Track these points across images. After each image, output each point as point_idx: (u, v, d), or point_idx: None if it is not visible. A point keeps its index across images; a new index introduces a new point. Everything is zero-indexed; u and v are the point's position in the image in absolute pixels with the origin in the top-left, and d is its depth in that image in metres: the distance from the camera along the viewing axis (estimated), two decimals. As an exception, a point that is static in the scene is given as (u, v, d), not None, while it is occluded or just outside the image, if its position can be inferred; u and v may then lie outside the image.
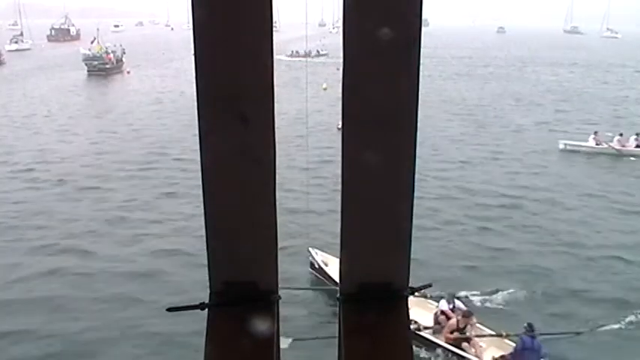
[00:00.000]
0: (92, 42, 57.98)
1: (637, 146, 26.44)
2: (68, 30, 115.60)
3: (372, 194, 1.17)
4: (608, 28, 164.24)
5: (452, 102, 39.92)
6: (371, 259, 1.23)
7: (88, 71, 54.07)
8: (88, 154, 25.55)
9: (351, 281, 1.25)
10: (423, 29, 1.07)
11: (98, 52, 55.29)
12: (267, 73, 1.09)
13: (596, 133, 27.45)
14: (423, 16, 1.07)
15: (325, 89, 38.83)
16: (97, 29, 57.87)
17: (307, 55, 67.50)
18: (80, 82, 51.52)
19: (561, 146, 27.07)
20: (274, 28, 1.13)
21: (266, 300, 1.25)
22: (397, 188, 1.17)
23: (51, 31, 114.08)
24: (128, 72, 56.60)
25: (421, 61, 1.08)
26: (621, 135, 27.01)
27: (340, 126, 1.16)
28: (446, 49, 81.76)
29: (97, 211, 18.06)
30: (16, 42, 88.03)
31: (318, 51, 69.21)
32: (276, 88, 1.10)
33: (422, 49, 1.07)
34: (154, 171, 22.74)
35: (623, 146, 26.37)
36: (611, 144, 26.57)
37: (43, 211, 18.04)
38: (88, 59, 54.73)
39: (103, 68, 54.07)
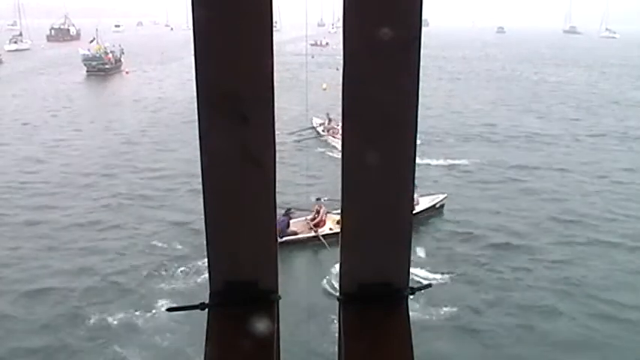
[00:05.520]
0: (91, 42, 57.91)
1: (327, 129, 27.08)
2: (68, 30, 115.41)
3: (372, 194, 1.17)
4: (607, 28, 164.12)
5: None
6: (371, 259, 1.23)
7: (87, 71, 53.96)
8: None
9: (351, 281, 1.25)
10: (423, 29, 1.07)
11: (97, 53, 55.16)
12: (267, 73, 1.09)
13: (328, 115, 28.05)
14: (423, 17, 1.07)
15: (325, 89, 38.62)
16: (97, 29, 57.84)
17: None
18: (78, 82, 51.33)
19: None
20: (275, 28, 1.13)
21: (266, 300, 1.25)
22: (397, 188, 1.17)
23: (50, 31, 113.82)
24: (127, 72, 56.50)
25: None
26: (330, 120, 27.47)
27: (340, 126, 1.15)
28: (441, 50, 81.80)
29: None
30: (15, 42, 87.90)
31: None
32: None
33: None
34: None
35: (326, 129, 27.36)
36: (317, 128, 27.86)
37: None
38: (87, 59, 54.60)
39: (102, 68, 53.97)
